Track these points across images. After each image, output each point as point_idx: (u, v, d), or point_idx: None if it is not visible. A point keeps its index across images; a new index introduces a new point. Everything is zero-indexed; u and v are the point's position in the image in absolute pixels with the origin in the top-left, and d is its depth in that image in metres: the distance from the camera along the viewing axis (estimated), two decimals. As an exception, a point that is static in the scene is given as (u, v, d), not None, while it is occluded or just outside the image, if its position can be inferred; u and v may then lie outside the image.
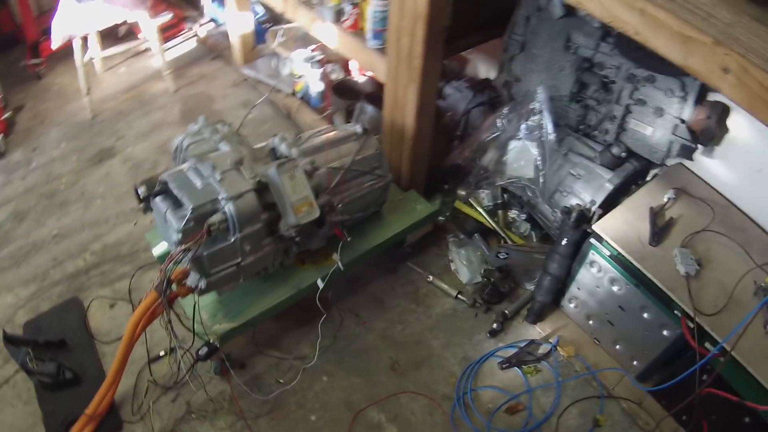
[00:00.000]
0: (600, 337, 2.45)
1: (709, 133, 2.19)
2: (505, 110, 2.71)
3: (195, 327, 2.10)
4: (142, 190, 2.10)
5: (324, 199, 2.21)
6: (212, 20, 4.52)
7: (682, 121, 2.25)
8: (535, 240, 2.83)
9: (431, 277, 2.75)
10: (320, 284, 2.35)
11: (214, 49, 4.34)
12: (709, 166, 2.34)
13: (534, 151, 2.62)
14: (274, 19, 4.04)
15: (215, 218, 1.93)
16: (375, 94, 3.15)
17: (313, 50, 3.52)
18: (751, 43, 1.33)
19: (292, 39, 3.83)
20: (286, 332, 2.56)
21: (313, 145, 2.33)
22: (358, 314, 2.63)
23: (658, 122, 2.33)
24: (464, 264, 2.76)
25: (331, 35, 2.93)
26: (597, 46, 2.41)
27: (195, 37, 4.52)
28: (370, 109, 3.14)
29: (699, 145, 2.28)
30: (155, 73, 4.16)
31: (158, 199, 2.03)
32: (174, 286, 2.02)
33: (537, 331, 2.57)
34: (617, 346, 2.38)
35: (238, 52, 3.96)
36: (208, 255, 1.96)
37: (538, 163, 2.61)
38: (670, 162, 2.42)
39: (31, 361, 2.38)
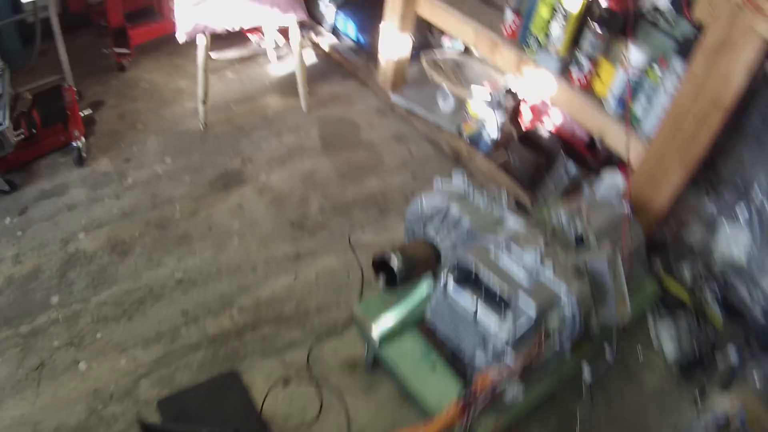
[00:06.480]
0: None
1: None
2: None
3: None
4: (397, 264, 1.58)
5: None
6: (335, 31, 3.93)
7: None
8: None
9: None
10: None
11: (342, 66, 3.78)
12: None
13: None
14: (420, 43, 3.51)
15: (554, 322, 1.40)
16: (564, 151, 2.79)
17: (490, 91, 3.01)
18: None
19: (441, 68, 3.32)
20: None
21: (599, 227, 1.83)
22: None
23: None
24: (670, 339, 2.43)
25: (549, 87, 2.64)
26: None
27: (312, 49, 3.94)
28: (574, 170, 2.65)
29: None
30: (274, 85, 3.59)
31: (453, 287, 1.49)
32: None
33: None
34: None
35: (388, 77, 3.40)
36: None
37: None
38: None
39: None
